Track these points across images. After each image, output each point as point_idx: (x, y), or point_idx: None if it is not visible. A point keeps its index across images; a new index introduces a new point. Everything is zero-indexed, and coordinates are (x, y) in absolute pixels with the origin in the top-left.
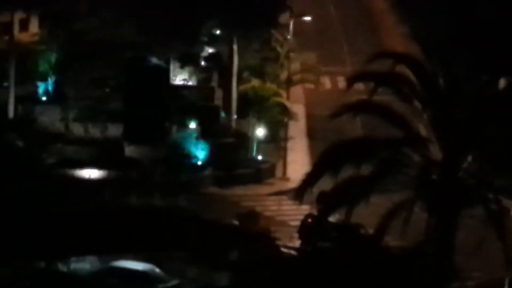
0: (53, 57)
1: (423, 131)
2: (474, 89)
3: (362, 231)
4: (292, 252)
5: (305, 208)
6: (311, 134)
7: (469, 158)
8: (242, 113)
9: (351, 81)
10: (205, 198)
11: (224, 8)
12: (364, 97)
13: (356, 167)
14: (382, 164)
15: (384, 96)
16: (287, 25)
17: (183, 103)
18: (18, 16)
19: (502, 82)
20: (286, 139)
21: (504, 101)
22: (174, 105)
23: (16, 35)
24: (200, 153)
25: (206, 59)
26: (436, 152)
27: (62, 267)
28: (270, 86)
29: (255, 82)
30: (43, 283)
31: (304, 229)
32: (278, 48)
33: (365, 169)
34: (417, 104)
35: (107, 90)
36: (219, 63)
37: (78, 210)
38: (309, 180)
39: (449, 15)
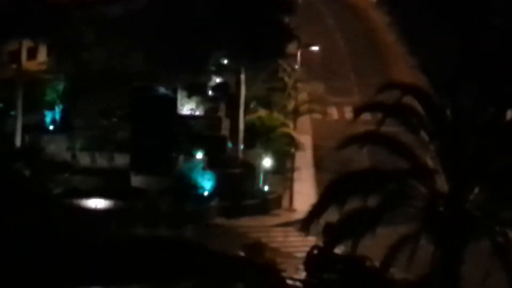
0: (60, 86)
1: (430, 162)
2: (481, 121)
3: (368, 263)
4: (298, 283)
5: (311, 240)
6: (318, 165)
7: (476, 190)
8: (249, 143)
9: (358, 111)
10: (211, 229)
11: (231, 38)
12: (372, 128)
13: (362, 198)
14: (388, 196)
15: (391, 127)
16: (295, 55)
17: (190, 133)
18: (26, 44)
19: (509, 114)
20: (292, 169)
21: (511, 133)
22: (181, 135)
23: (23, 63)
24: (206, 183)
25: (213, 89)
26: (442, 184)
27: None
28: (277, 116)
29: (262, 112)
30: None
31: (310, 261)
32: (286, 78)
33: (372, 201)
34: (424, 135)
35: (114, 119)
36: (226, 93)
37: (84, 240)
38: (316, 211)
39: (456, 47)
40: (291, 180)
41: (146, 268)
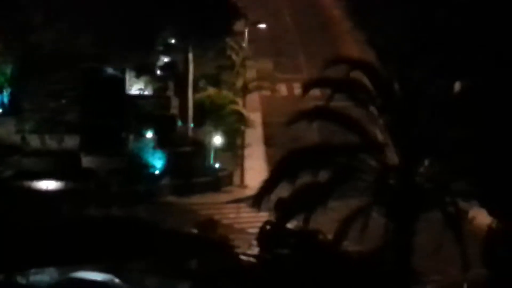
0: (8, 69)
1: (379, 136)
2: (430, 93)
3: (321, 237)
4: (251, 259)
5: (264, 215)
6: (268, 141)
7: (426, 163)
8: (199, 121)
9: (307, 87)
10: (163, 207)
11: (179, 17)
12: (321, 103)
13: (313, 173)
14: (339, 170)
15: (340, 102)
16: (243, 33)
17: (140, 112)
18: None
19: (457, 86)
20: (243, 146)
21: (459, 105)
22: (130, 115)
23: None
24: (157, 162)
25: (161, 68)
26: (393, 157)
27: (21, 279)
28: (226, 94)
29: (211, 91)
30: None
31: (263, 236)
32: (234, 56)
33: (323, 176)
34: (373, 109)
35: (64, 101)
36: (175, 72)
37: (36, 222)
38: (267, 187)
39: (404, 21)
40: (241, 157)
41: (99, 249)
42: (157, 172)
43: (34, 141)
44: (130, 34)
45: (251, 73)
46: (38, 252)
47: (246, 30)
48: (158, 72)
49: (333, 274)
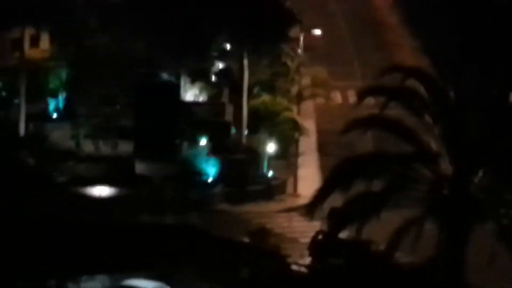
0: (63, 74)
1: (433, 145)
2: (485, 102)
3: (373, 248)
4: (303, 269)
5: (316, 225)
6: (322, 149)
7: (480, 173)
8: (253, 128)
9: (361, 95)
10: (216, 215)
11: (234, 23)
12: (375, 111)
13: (367, 183)
14: (393, 180)
15: (395, 111)
16: (298, 40)
17: (194, 119)
18: (29, 32)
19: None
20: (297, 154)
21: None
22: (184, 121)
23: (26, 51)
24: (210, 169)
25: (216, 74)
26: (447, 167)
27: (72, 285)
28: (281, 101)
29: (266, 98)
30: None
31: (315, 246)
32: (289, 63)
33: (376, 185)
34: (427, 118)
35: (118, 106)
36: (230, 79)
37: (89, 228)
38: (320, 196)
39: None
40: (295, 165)
41: (151, 255)
42: (210, 179)
43: (88, 146)
44: (185, 39)
45: (305, 80)
46: (90, 258)
47: (301, 37)
48: (213, 78)
49: (385, 285)
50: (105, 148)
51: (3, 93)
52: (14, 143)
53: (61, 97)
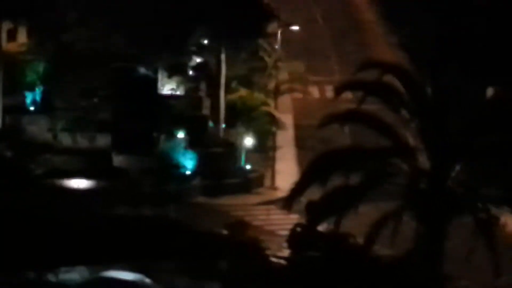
0: (41, 67)
1: (411, 140)
2: (462, 98)
3: (351, 240)
4: (282, 261)
5: (294, 218)
6: (300, 143)
7: (458, 167)
8: (230, 122)
9: (339, 90)
10: (193, 208)
11: (212, 18)
12: (353, 106)
13: (344, 176)
14: (370, 174)
15: (372, 106)
16: (275, 35)
17: (171, 113)
18: (6, 26)
19: (489, 91)
20: (274, 148)
21: (492, 110)
22: (162, 115)
23: (3, 45)
24: (188, 163)
25: (194, 68)
26: (424, 161)
27: (51, 277)
28: (258, 95)
29: (243, 92)
30: None
31: (293, 239)
32: (266, 58)
33: (354, 179)
34: (405, 113)
35: (95, 100)
36: (207, 73)
37: (66, 220)
38: (298, 189)
39: (436, 25)
40: (273, 159)
41: (129, 248)
42: (188, 172)
43: (65, 139)
44: (163, 34)
45: (283, 75)
46: (69, 250)
47: (279, 32)
48: (190, 72)
49: (363, 277)
50: (82, 141)
51: None
52: None
53: (38, 90)
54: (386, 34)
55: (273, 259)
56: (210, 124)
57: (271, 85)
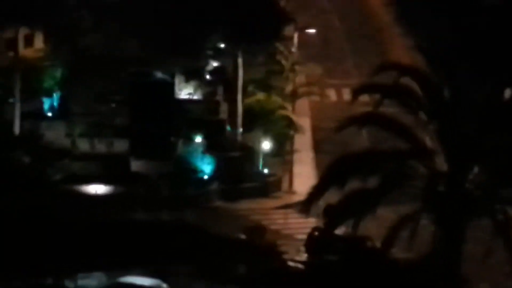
0: (58, 73)
1: (429, 142)
2: (480, 100)
3: (369, 244)
4: (299, 265)
5: (312, 221)
6: (317, 147)
7: (475, 169)
8: (248, 126)
9: (356, 93)
10: (211, 212)
11: (228, 21)
12: (370, 109)
13: (362, 179)
14: (388, 177)
15: (389, 108)
16: (292, 38)
17: (189, 117)
18: (23, 32)
19: (507, 93)
20: (292, 152)
21: (509, 112)
22: (179, 119)
23: (21, 51)
24: (206, 167)
25: (211, 73)
26: (442, 163)
27: (69, 283)
28: (276, 99)
29: (260, 96)
30: None
31: (311, 243)
32: (283, 61)
33: (372, 182)
34: (422, 115)
35: (113, 105)
36: (224, 77)
37: (84, 225)
38: (316, 193)
39: (453, 27)
40: (290, 163)
41: (147, 252)
42: (205, 177)
43: (83, 144)
44: (179, 38)
45: (300, 78)
46: (86, 256)
47: (296, 35)
48: (208, 76)
49: (381, 281)
50: (100, 147)
51: None
52: (9, 142)
53: (56, 96)
54: (403, 36)
55: (291, 263)
56: (228, 128)
57: (288, 88)
